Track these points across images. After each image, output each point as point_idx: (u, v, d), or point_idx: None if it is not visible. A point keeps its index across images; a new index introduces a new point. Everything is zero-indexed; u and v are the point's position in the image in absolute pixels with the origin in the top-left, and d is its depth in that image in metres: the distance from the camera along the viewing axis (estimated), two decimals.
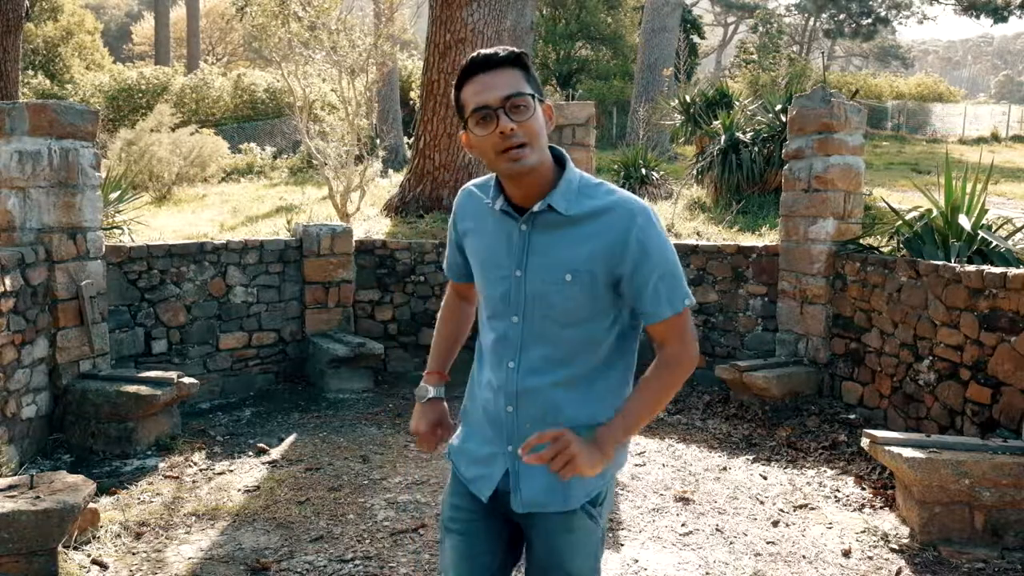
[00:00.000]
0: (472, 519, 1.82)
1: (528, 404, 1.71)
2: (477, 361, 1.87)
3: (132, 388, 4.65)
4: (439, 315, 2.09)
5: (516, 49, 1.64)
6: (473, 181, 1.85)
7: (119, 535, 3.63)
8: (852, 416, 5.21)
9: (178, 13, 37.37)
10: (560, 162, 1.70)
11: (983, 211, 5.34)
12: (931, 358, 4.53)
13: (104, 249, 5.13)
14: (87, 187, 4.91)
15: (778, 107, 9.45)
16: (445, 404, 2.03)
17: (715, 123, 10.34)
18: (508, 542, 1.86)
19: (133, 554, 3.48)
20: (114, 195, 7.14)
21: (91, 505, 3.52)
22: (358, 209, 9.16)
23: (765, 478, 4.44)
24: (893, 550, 3.57)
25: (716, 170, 9.56)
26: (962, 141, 23.82)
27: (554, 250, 1.66)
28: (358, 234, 7.11)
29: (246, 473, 4.47)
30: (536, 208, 1.66)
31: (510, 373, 1.72)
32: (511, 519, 1.82)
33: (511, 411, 1.73)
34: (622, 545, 3.62)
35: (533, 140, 1.61)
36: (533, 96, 1.62)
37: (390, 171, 14.13)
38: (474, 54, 1.63)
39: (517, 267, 1.69)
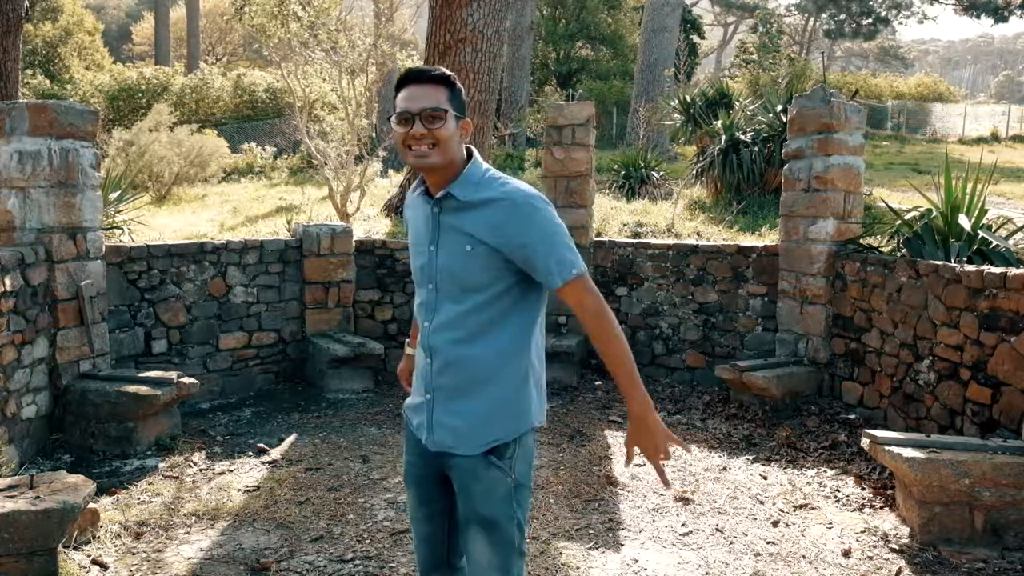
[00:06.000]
0: (422, 471, 2.16)
1: (439, 357, 2.05)
2: None
3: (132, 388, 4.65)
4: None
5: (447, 71, 2.02)
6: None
7: (119, 535, 3.63)
8: (852, 416, 5.21)
9: (178, 13, 37.34)
10: (471, 161, 2.04)
11: (983, 211, 5.34)
12: (931, 358, 4.53)
13: (104, 249, 5.13)
14: (87, 187, 4.91)
15: (778, 107, 9.45)
16: (406, 359, 2.53)
17: (715, 123, 10.33)
18: (451, 486, 2.15)
19: (133, 554, 3.48)
20: (114, 195, 7.13)
21: (91, 505, 3.52)
22: (358, 209, 9.17)
23: (765, 478, 4.44)
24: (893, 550, 3.56)
25: (716, 170, 9.56)
26: (962, 141, 23.80)
27: (457, 228, 2.00)
28: (358, 234, 7.11)
29: (246, 473, 4.47)
30: (439, 195, 2.02)
31: (425, 331, 2.08)
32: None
33: (428, 362, 2.08)
34: (622, 545, 3.62)
35: (440, 144, 1.96)
36: (447, 111, 1.96)
37: (390, 171, 14.15)
38: (415, 67, 2.03)
39: (431, 243, 2.05)
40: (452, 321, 2.02)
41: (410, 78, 1.99)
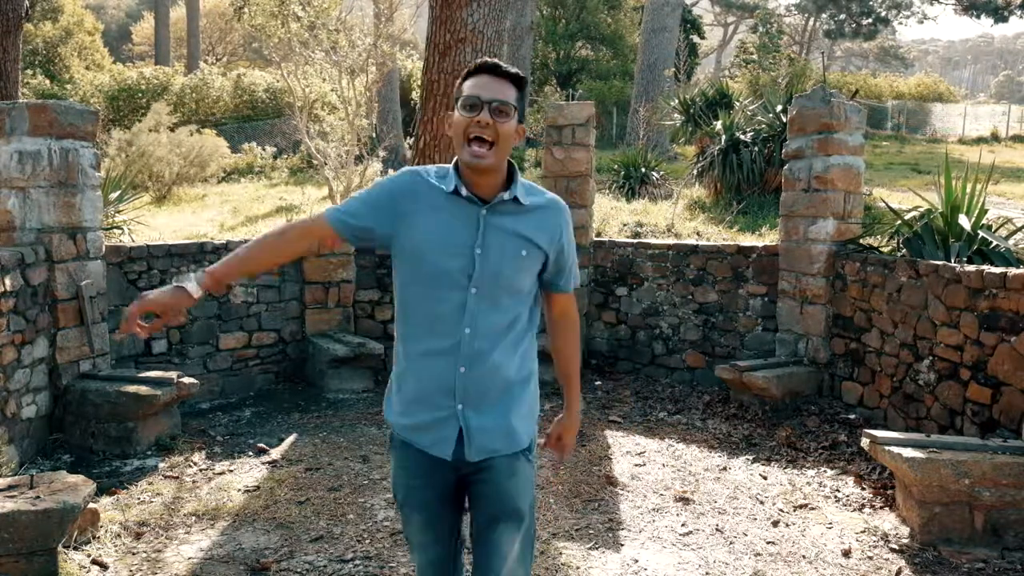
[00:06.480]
0: (431, 494, 2.09)
1: (478, 364, 1.98)
2: (409, 339, 2.05)
3: (132, 388, 4.65)
4: (271, 232, 2.15)
5: (523, 73, 2.00)
6: (420, 167, 2.08)
7: (119, 535, 3.63)
8: (852, 416, 5.21)
9: (178, 13, 37.34)
10: (511, 167, 2.04)
11: (983, 211, 5.34)
12: (931, 358, 4.53)
13: (104, 249, 5.13)
14: (87, 187, 4.91)
15: (778, 107, 9.46)
16: (188, 301, 2.01)
17: (715, 123, 10.34)
18: (457, 501, 2.14)
19: (133, 554, 3.48)
20: (114, 195, 7.14)
21: (91, 505, 3.52)
22: None
23: (765, 478, 4.44)
24: (893, 550, 3.56)
25: (716, 170, 9.57)
26: (962, 141, 23.81)
27: (511, 232, 1.98)
28: None
29: (246, 473, 4.47)
30: (505, 196, 1.98)
31: (465, 338, 1.96)
32: (459, 478, 2.08)
33: (464, 371, 1.97)
34: (622, 545, 3.62)
35: (500, 142, 1.92)
36: (515, 108, 1.95)
37: (390, 171, 14.13)
38: (490, 59, 1.99)
39: (477, 245, 1.95)
40: (498, 327, 1.99)
41: (485, 68, 1.95)
